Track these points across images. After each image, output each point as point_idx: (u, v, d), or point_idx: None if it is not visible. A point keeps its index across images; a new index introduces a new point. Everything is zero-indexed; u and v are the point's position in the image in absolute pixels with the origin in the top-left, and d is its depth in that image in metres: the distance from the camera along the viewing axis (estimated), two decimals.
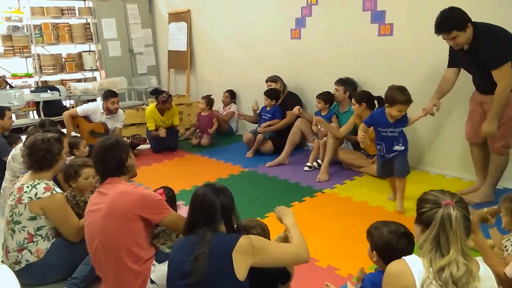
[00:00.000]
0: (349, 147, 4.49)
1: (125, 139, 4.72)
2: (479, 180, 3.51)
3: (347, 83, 4.39)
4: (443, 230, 1.39)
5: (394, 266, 1.50)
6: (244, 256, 1.67)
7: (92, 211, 2.15)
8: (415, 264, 1.44)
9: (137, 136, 4.99)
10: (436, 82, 3.47)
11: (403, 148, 3.28)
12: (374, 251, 1.83)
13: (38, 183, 2.46)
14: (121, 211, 2.06)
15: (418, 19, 3.95)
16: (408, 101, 3.10)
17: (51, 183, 2.51)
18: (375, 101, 4.00)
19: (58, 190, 2.49)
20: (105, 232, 2.07)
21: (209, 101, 5.62)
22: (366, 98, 3.96)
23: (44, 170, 2.53)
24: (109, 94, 4.94)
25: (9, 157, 3.46)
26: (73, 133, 4.83)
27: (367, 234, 1.90)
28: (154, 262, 2.18)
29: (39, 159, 2.50)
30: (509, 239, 2.08)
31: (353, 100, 4.04)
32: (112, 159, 2.17)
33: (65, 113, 4.93)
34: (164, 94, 5.20)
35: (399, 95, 3.10)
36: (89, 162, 2.69)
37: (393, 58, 4.20)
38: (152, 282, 2.10)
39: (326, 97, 4.45)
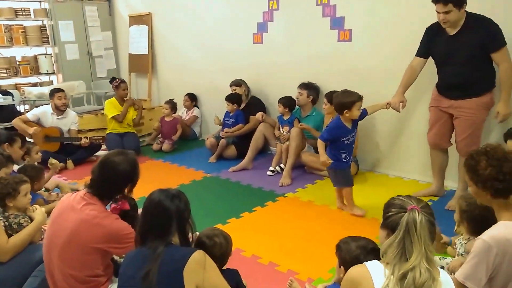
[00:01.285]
0: (311, 150, 4.53)
1: (83, 139, 4.63)
2: (436, 182, 3.61)
3: (310, 87, 4.44)
4: (408, 234, 1.41)
5: (354, 270, 1.51)
6: (195, 273, 1.61)
7: (57, 224, 2.02)
8: (376, 270, 1.45)
9: (95, 136, 4.83)
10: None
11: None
12: (341, 267, 1.83)
13: None
14: (82, 243, 1.94)
15: (375, 25, 4.06)
16: (360, 96, 3.20)
17: None
18: None
19: None
20: (62, 262, 1.97)
21: (172, 105, 5.54)
22: None
23: None
24: (54, 91, 4.85)
25: None
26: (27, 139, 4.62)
27: (336, 248, 1.90)
28: (113, 277, 2.10)
29: None
30: (460, 239, 2.15)
31: (324, 100, 4.09)
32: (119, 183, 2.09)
33: (15, 120, 4.75)
34: (117, 79, 5.30)
35: (351, 96, 3.17)
36: (24, 178, 2.52)
37: (352, 63, 4.28)
38: None
39: (286, 102, 4.48)
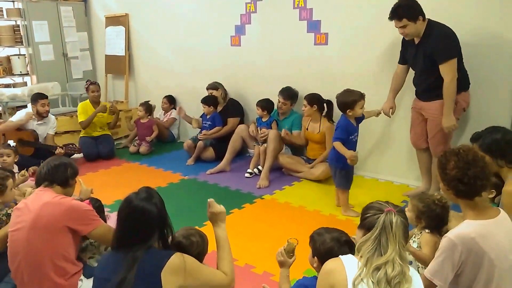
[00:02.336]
0: (289, 152, 4.57)
1: (58, 149, 4.52)
2: (423, 182, 3.71)
3: (293, 97, 4.44)
4: (384, 232, 1.48)
5: (329, 263, 1.57)
6: (175, 276, 1.60)
7: (16, 230, 2.04)
8: (350, 263, 1.51)
9: (71, 145, 4.72)
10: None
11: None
12: (315, 257, 1.86)
13: None
14: (46, 223, 1.97)
15: (351, 29, 4.13)
16: (362, 94, 3.25)
17: None
18: (324, 104, 4.14)
19: None
20: (29, 247, 1.97)
21: (147, 107, 5.48)
22: (317, 100, 4.09)
23: None
24: (38, 96, 4.70)
25: None
26: None
27: (310, 239, 1.92)
28: (82, 277, 2.08)
29: None
30: (414, 236, 2.22)
31: (304, 102, 4.13)
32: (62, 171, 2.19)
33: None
34: (87, 81, 5.29)
35: (353, 94, 3.22)
36: (7, 173, 2.55)
37: (328, 66, 4.34)
38: None
39: (265, 104, 4.53)
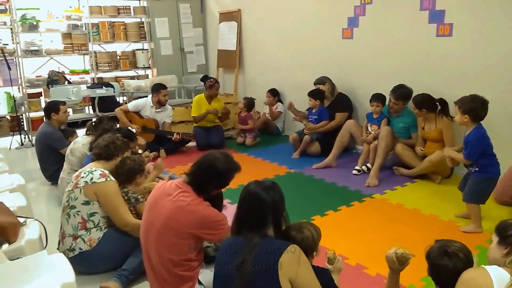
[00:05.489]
0: None
1: (175, 135, 4.89)
2: None
3: (404, 96, 4.16)
4: None
5: (470, 271, 1.52)
6: (290, 267, 1.61)
7: (154, 209, 2.12)
8: (495, 271, 1.45)
9: (187, 132, 5.10)
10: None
11: (476, 169, 2.94)
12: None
13: (95, 170, 2.58)
14: (177, 228, 2.02)
15: (480, 19, 3.73)
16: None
17: (107, 171, 2.60)
18: (437, 104, 3.83)
19: (112, 178, 2.58)
20: (159, 244, 2.08)
21: (248, 102, 5.62)
22: (426, 103, 3.81)
23: (104, 159, 2.71)
24: (160, 87, 5.13)
25: (68, 151, 3.61)
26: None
27: (426, 257, 1.79)
28: (203, 263, 2.18)
29: (103, 147, 2.71)
30: None
31: (412, 105, 3.89)
32: (215, 180, 2.12)
33: (117, 109, 5.14)
34: (211, 79, 5.41)
35: (484, 111, 2.86)
36: (143, 159, 2.93)
37: (451, 60, 3.99)
38: (200, 283, 2.11)
39: (381, 99, 4.31)
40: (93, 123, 3.82)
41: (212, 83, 5.37)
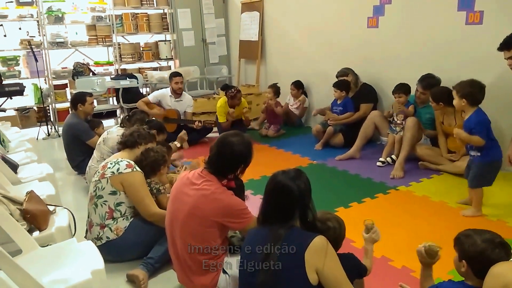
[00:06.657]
0: (427, 143, 4.22)
1: (196, 122, 4.90)
2: None
3: (433, 86, 3.99)
4: None
5: (500, 265, 1.47)
6: (317, 258, 1.59)
7: (178, 199, 2.15)
8: None
9: (208, 120, 5.12)
10: None
11: (478, 154, 2.98)
12: (463, 261, 1.69)
13: (121, 161, 2.63)
14: (201, 216, 2.04)
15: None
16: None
17: (133, 162, 2.65)
18: None
19: (138, 169, 2.62)
20: (184, 233, 2.10)
21: (276, 89, 5.59)
22: (445, 96, 3.68)
23: (129, 148, 2.79)
24: (172, 74, 5.17)
25: (100, 139, 3.69)
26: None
27: (455, 242, 1.75)
28: (228, 253, 2.19)
29: (128, 135, 2.81)
30: None
31: (430, 99, 3.79)
32: (234, 162, 2.13)
33: (139, 102, 5.20)
34: (233, 90, 5.05)
35: (482, 95, 2.92)
36: (165, 149, 2.94)
37: (481, 49, 3.86)
38: (224, 272, 2.12)
39: (404, 89, 4.20)
40: (127, 116, 3.93)
41: (234, 94, 5.02)
